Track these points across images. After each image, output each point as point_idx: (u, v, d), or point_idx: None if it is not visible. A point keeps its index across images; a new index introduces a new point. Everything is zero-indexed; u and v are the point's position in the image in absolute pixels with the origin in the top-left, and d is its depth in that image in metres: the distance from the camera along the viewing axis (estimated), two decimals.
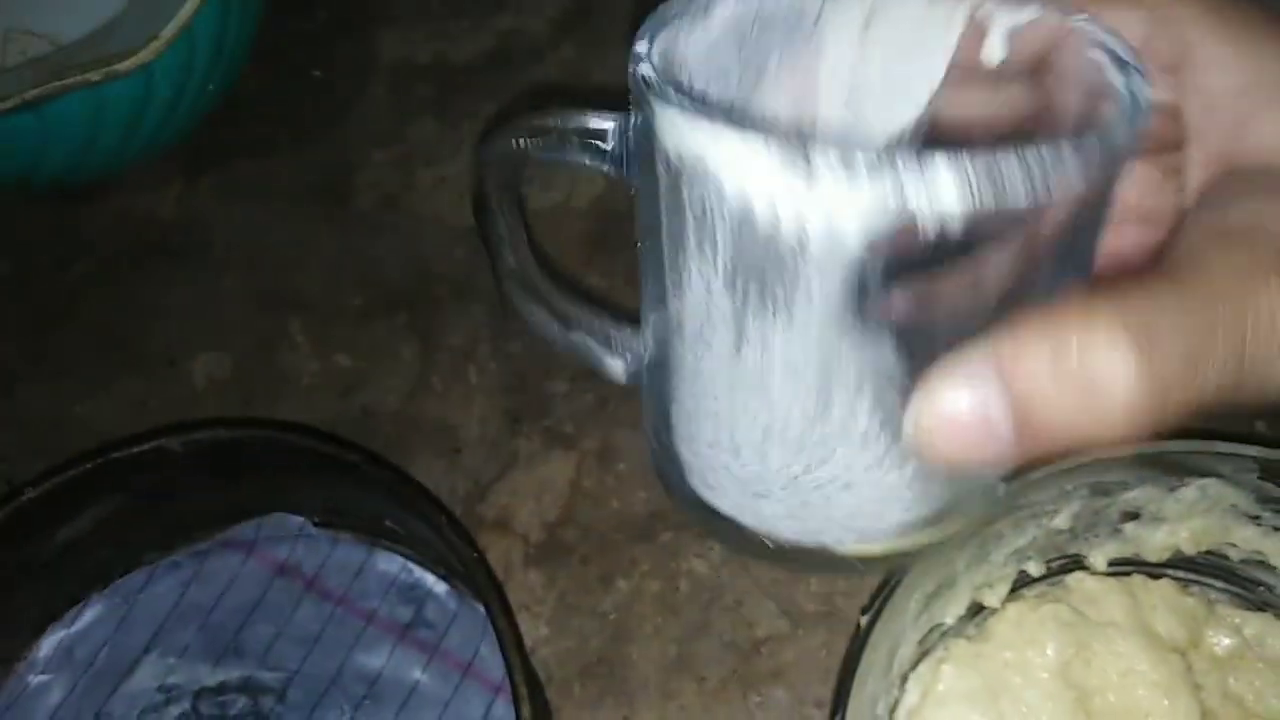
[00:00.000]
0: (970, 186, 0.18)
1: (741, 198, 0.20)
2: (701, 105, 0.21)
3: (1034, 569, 0.39)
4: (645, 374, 0.29)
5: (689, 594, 0.46)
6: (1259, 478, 0.36)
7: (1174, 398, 0.19)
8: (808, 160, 0.19)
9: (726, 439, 0.25)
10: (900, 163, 0.18)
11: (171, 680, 0.46)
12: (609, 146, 0.25)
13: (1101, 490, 0.37)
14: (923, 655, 0.38)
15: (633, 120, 0.24)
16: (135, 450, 0.41)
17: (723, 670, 0.45)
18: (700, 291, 0.23)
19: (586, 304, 0.31)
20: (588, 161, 0.26)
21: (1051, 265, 0.21)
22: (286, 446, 0.42)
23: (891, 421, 0.22)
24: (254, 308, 0.56)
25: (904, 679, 0.38)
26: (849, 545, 0.26)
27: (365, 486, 0.43)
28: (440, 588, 0.46)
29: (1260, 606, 0.39)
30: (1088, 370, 0.19)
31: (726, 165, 0.20)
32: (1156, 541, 0.39)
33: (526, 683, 0.37)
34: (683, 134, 0.21)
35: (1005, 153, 0.19)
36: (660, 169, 0.22)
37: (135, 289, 0.57)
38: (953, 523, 0.26)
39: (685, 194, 0.21)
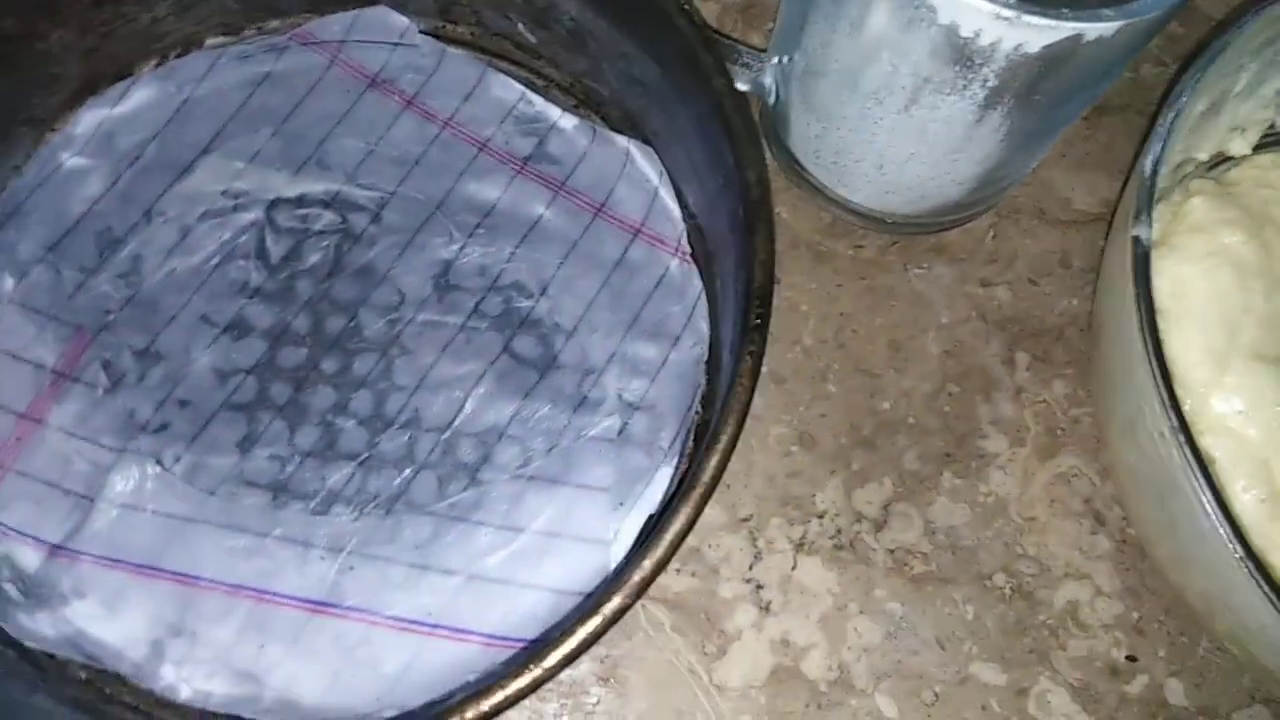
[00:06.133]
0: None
1: (953, 23, 0.25)
2: None
3: None
4: (790, 112, 0.34)
5: None
6: None
7: None
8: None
9: (874, 159, 0.32)
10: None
11: (239, 185, 0.34)
12: None
13: None
14: (1163, 194, 0.30)
15: None
16: None
17: (881, 240, 0.36)
18: (886, 70, 0.28)
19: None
20: None
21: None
22: None
23: (992, 151, 0.30)
24: None
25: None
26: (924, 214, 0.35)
27: None
28: (568, 121, 0.35)
29: None
30: None
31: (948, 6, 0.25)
32: None
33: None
34: None
35: None
36: None
37: None
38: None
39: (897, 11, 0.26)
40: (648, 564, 0.22)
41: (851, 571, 0.31)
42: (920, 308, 0.35)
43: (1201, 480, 0.23)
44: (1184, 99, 0.26)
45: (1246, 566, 0.23)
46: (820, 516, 0.32)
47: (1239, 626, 0.26)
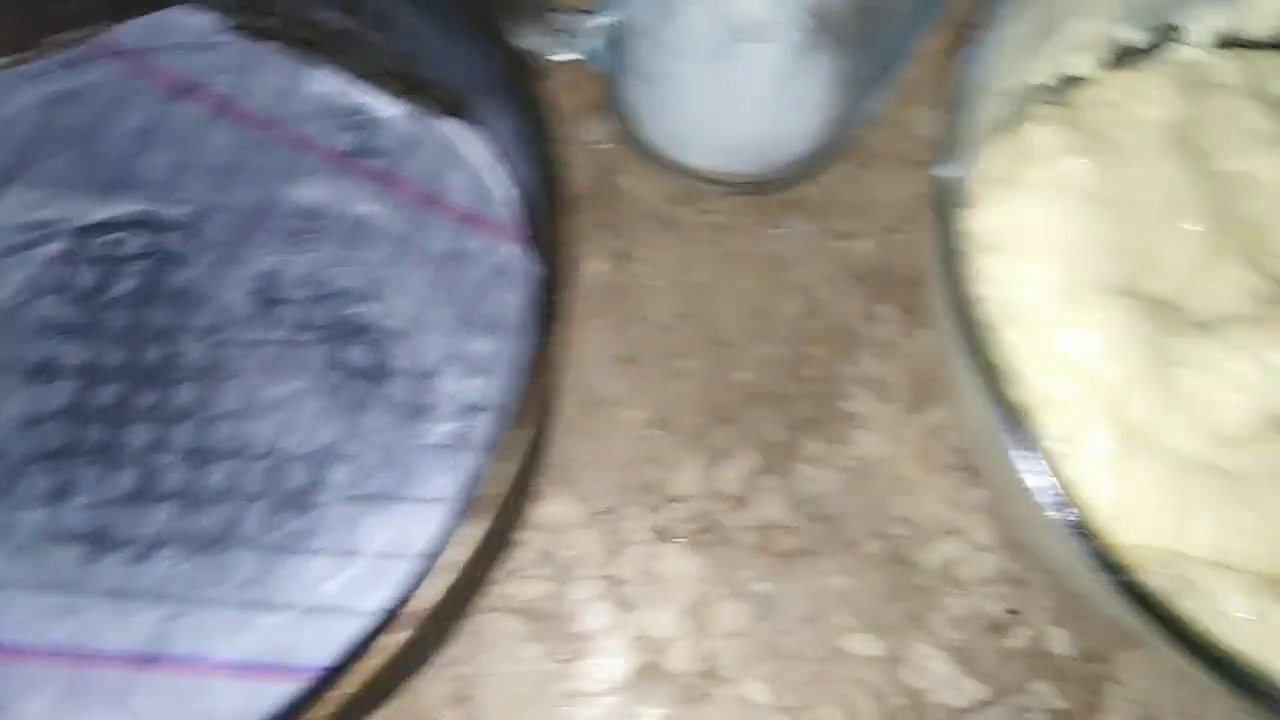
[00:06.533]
0: None
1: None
2: None
3: (1130, 35, 0.29)
4: (620, 78, 0.31)
5: None
6: None
7: None
8: None
9: (703, 120, 0.30)
10: None
11: (41, 216, 0.31)
12: None
13: None
14: (1006, 125, 0.28)
15: None
16: None
17: (733, 203, 0.34)
18: (690, 23, 0.26)
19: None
20: None
21: None
22: None
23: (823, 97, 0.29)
24: None
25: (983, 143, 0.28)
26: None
27: None
28: (393, 110, 0.33)
29: None
30: None
31: None
32: (1267, 5, 0.29)
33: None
34: None
35: None
36: None
37: None
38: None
39: None
40: (426, 595, 0.20)
41: (715, 555, 0.29)
42: (778, 269, 0.33)
43: (1012, 433, 0.21)
44: (992, 25, 0.24)
45: (1063, 519, 0.21)
46: (680, 500, 0.30)
47: (1083, 589, 0.24)
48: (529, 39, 0.30)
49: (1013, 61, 0.25)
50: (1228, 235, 0.26)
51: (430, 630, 0.27)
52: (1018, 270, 0.26)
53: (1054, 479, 0.21)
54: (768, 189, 0.33)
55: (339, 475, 0.29)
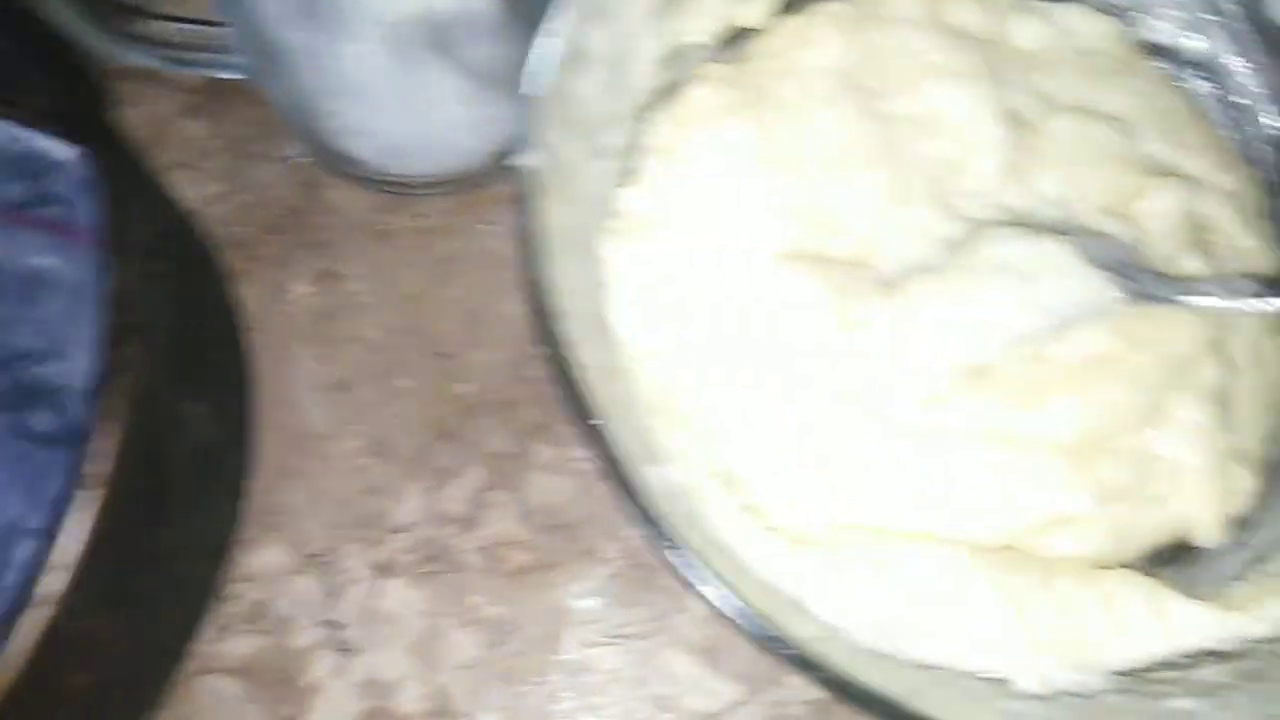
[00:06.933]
0: None
1: None
2: None
3: None
4: (278, 92, 0.29)
5: None
6: None
7: None
8: None
9: (357, 123, 0.28)
10: None
11: None
12: None
13: None
14: (672, 90, 0.26)
15: None
16: None
17: (444, 203, 0.31)
18: (262, 31, 0.25)
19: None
20: None
21: None
22: None
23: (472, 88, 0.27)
24: None
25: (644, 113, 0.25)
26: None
27: None
28: (67, 153, 0.31)
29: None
30: None
31: None
32: None
33: (174, 247, 0.23)
34: None
35: None
36: None
37: None
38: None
39: None
40: None
41: (442, 584, 0.28)
42: (495, 268, 0.31)
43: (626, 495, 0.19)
44: None
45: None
46: (402, 531, 0.28)
47: None
48: (176, 60, 0.28)
49: (656, 19, 0.23)
50: (910, 180, 0.24)
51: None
52: (684, 248, 0.24)
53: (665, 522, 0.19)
54: (476, 184, 0.31)
55: (26, 553, 0.27)
